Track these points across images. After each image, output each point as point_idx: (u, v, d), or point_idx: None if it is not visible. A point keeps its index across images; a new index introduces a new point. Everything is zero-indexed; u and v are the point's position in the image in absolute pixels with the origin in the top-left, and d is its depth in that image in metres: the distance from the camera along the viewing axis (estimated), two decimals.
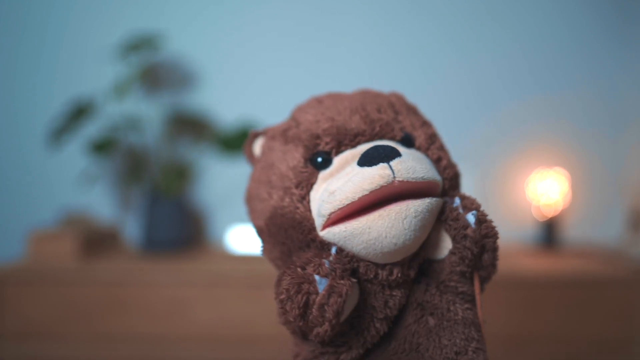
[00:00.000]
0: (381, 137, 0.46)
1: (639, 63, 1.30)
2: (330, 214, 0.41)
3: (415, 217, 0.40)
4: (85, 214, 1.27)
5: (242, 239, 1.23)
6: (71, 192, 1.30)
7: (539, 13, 1.33)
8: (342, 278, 0.39)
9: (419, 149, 0.47)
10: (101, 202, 1.33)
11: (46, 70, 1.33)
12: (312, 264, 0.39)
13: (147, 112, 1.28)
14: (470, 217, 0.43)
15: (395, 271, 0.43)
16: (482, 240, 0.43)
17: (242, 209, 0.52)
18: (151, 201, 1.20)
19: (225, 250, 1.23)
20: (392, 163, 0.40)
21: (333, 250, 0.41)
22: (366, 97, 0.49)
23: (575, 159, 1.33)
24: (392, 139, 0.46)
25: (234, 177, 1.29)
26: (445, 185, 0.46)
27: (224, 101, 1.32)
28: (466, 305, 0.45)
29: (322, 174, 0.44)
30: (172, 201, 1.21)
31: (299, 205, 0.44)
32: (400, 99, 0.51)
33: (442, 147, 0.48)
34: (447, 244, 0.44)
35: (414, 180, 0.40)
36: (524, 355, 1.01)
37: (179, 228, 1.21)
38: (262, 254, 0.49)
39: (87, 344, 1.02)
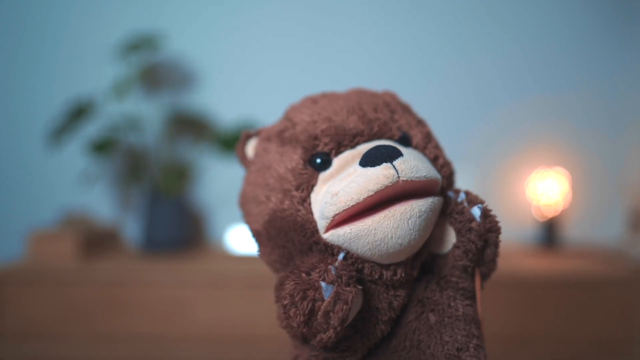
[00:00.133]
0: (379, 137, 0.45)
1: (639, 63, 1.30)
2: (334, 216, 0.41)
3: (420, 216, 0.40)
4: (85, 214, 1.27)
5: (242, 239, 1.23)
6: (71, 192, 1.30)
7: (539, 13, 1.33)
8: (348, 285, 0.38)
9: (416, 148, 0.47)
10: (101, 202, 1.33)
11: (46, 70, 1.33)
12: (318, 270, 0.39)
13: (147, 112, 1.28)
14: (476, 211, 0.43)
15: (399, 271, 0.43)
16: (486, 235, 0.43)
17: None
18: (151, 201, 1.20)
19: (225, 250, 1.23)
20: (396, 163, 0.40)
21: (340, 256, 0.41)
22: (361, 97, 0.48)
23: (575, 159, 1.33)
24: (390, 138, 0.46)
25: (234, 177, 1.28)
26: (444, 183, 0.46)
27: (224, 101, 1.32)
28: (466, 302, 0.45)
29: (322, 176, 0.44)
30: (172, 201, 1.21)
31: (300, 207, 0.43)
32: (394, 98, 0.51)
33: (437, 146, 0.48)
34: (451, 238, 0.44)
35: (417, 179, 0.40)
36: (524, 355, 1.01)
37: (179, 228, 1.21)
38: (260, 257, 0.48)
39: (87, 344, 1.02)
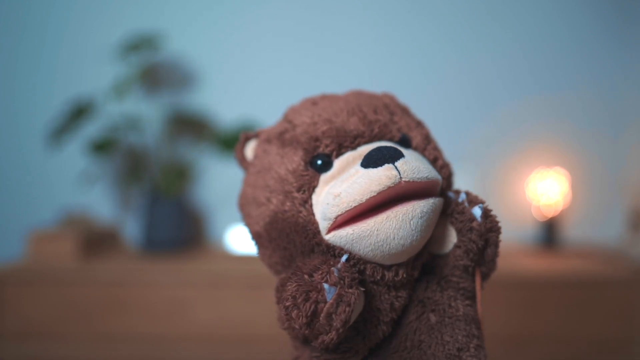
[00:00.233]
0: (380, 138, 0.46)
1: (639, 63, 1.30)
2: (336, 217, 0.41)
3: (422, 217, 0.40)
4: (85, 214, 1.27)
5: (242, 239, 1.23)
6: (71, 192, 1.30)
7: (539, 13, 1.33)
8: (351, 286, 0.38)
9: (415, 149, 0.47)
10: (101, 202, 1.33)
11: (46, 70, 1.33)
12: (321, 271, 0.38)
13: (147, 112, 1.28)
14: (477, 210, 0.43)
15: (400, 272, 0.43)
16: (487, 234, 0.44)
17: None
18: (151, 201, 1.20)
19: (225, 250, 1.23)
20: (397, 164, 0.40)
21: (344, 258, 0.41)
22: (361, 98, 0.48)
23: (575, 159, 1.33)
24: (390, 139, 0.46)
25: (234, 177, 1.28)
26: (443, 184, 0.46)
27: (224, 101, 1.32)
28: (467, 302, 0.45)
29: (324, 177, 0.44)
30: (172, 201, 1.21)
31: (302, 209, 0.43)
32: (393, 99, 0.51)
33: (436, 147, 0.49)
34: (452, 238, 0.44)
35: (419, 180, 0.40)
36: (524, 355, 1.01)
37: (179, 228, 1.21)
38: (260, 259, 0.48)
39: (87, 344, 1.02)
